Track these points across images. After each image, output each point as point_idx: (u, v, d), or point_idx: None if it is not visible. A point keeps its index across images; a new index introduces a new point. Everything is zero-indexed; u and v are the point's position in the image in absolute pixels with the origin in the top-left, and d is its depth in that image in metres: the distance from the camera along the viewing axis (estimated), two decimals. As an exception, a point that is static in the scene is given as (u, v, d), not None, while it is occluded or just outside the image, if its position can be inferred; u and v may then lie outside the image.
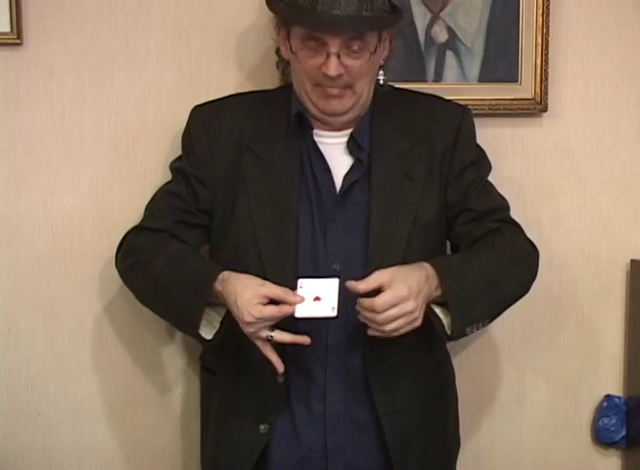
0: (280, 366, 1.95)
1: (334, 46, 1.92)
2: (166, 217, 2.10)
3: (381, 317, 1.86)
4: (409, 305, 1.87)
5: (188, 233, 2.10)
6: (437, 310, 1.97)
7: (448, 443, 2.19)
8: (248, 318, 1.88)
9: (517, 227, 2.13)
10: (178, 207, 2.10)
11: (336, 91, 1.97)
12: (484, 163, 2.16)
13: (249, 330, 1.91)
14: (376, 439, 2.06)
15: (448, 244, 2.18)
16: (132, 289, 2.15)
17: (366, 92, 2.02)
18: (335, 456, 2.05)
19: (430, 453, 2.11)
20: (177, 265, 2.02)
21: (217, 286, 1.95)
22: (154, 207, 2.14)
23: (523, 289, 2.10)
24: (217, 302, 1.97)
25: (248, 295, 1.89)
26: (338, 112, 2.01)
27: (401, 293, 1.86)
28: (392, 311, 1.86)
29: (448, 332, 1.96)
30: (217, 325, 1.99)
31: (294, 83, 2.05)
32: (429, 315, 1.96)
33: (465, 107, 2.15)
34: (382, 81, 2.07)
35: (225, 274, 1.96)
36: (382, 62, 2.04)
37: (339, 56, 1.92)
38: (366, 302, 1.87)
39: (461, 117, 2.11)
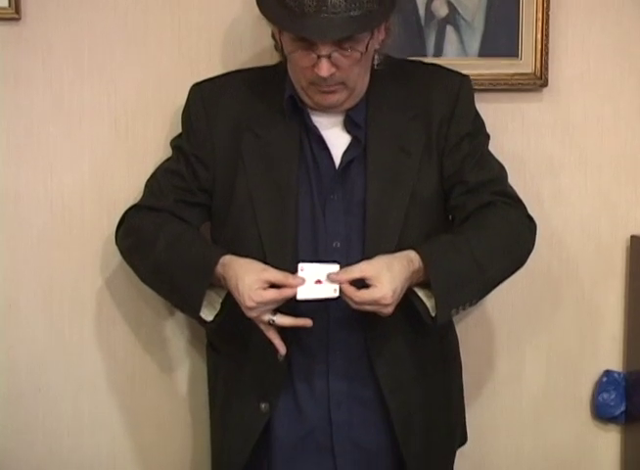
0: (282, 349, 1.95)
1: (324, 49, 1.89)
2: (167, 196, 2.09)
3: (356, 307, 1.89)
4: (386, 309, 1.89)
5: (188, 212, 2.09)
6: (421, 294, 1.95)
7: (452, 414, 2.21)
8: (249, 303, 1.89)
9: (513, 200, 2.09)
10: (178, 185, 2.09)
11: (330, 88, 1.96)
12: (482, 133, 2.13)
13: (251, 314, 1.91)
14: (380, 415, 2.07)
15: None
16: (133, 268, 2.14)
17: (360, 83, 2.00)
18: (340, 433, 2.06)
19: (434, 427, 2.12)
20: (178, 248, 2.02)
21: (219, 269, 1.95)
22: (154, 184, 2.13)
23: (516, 266, 2.07)
24: (218, 284, 1.97)
25: (249, 279, 1.89)
26: (333, 105, 2.00)
27: (383, 300, 1.86)
28: (368, 307, 1.89)
29: (432, 314, 1.94)
30: (218, 306, 1.99)
31: (289, 72, 2.02)
32: (413, 301, 1.95)
33: (464, 76, 2.11)
34: (376, 66, 2.03)
35: (227, 258, 1.96)
36: (377, 46, 2.00)
37: (330, 56, 1.89)
38: (348, 291, 1.87)
39: (459, 87, 2.08)
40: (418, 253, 1.94)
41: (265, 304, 1.89)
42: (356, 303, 1.88)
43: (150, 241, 2.04)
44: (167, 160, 2.16)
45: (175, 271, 2.00)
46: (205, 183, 2.08)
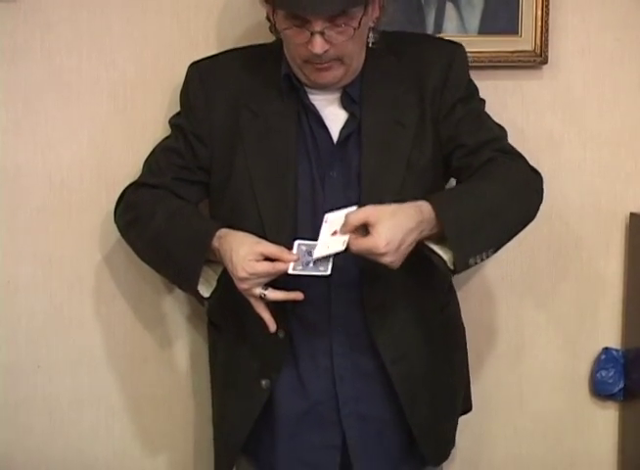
0: (272, 325, 1.94)
1: (317, 25, 1.88)
2: (165, 174, 2.09)
3: (353, 254, 1.85)
4: (383, 259, 1.83)
5: (186, 190, 2.09)
6: (437, 248, 1.91)
7: (456, 382, 2.22)
8: (241, 274, 1.89)
9: (516, 155, 2.07)
10: (177, 163, 2.09)
11: (325, 65, 1.95)
12: (475, 98, 2.11)
13: (242, 286, 1.91)
14: (385, 387, 2.07)
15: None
16: (131, 244, 2.15)
17: (356, 60, 1.99)
18: (347, 407, 2.06)
19: (438, 396, 2.13)
20: (176, 223, 2.02)
21: (215, 243, 1.95)
22: (153, 162, 2.14)
23: (527, 215, 2.04)
24: (214, 259, 1.97)
25: (243, 251, 1.89)
26: (329, 83, 1.99)
27: (375, 249, 1.81)
28: (368, 257, 1.84)
29: (451, 267, 1.90)
30: (214, 283, 1.99)
31: (285, 51, 2.02)
32: (429, 256, 1.92)
33: (457, 44, 2.10)
34: (371, 44, 2.02)
35: (223, 231, 1.96)
36: (372, 24, 1.99)
37: (323, 33, 1.88)
38: (350, 239, 1.83)
39: (452, 56, 2.07)
40: (428, 201, 1.90)
41: (258, 276, 1.89)
42: (354, 251, 1.84)
43: (147, 216, 2.05)
44: (166, 138, 2.16)
45: (172, 245, 2.01)
46: (203, 161, 2.08)
